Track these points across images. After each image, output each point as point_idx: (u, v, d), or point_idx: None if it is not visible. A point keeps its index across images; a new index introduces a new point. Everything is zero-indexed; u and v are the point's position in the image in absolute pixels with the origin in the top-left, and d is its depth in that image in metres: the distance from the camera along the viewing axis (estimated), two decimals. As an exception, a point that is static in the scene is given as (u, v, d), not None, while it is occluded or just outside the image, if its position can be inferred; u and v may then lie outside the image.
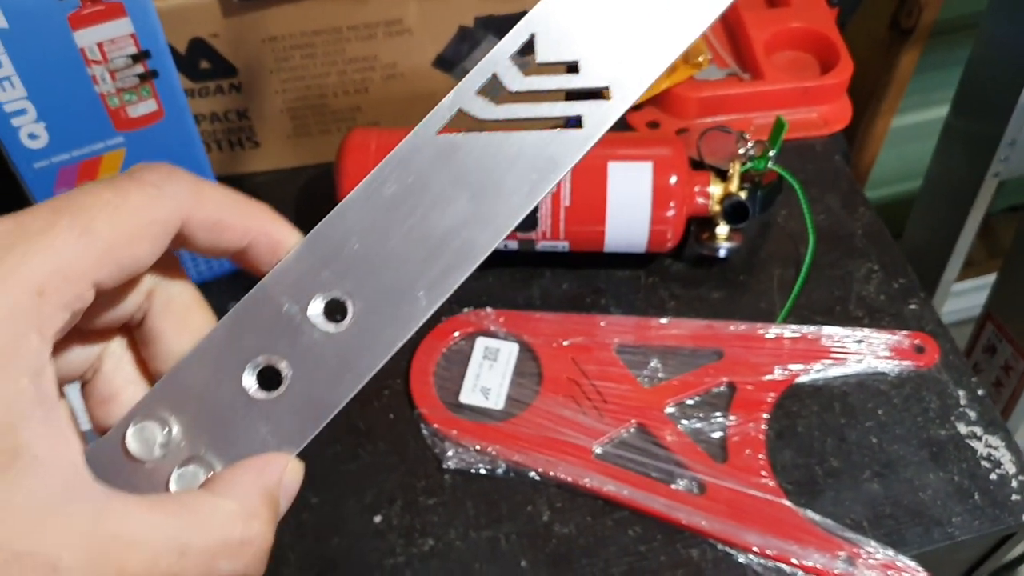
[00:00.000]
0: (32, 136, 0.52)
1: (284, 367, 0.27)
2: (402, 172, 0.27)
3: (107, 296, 0.27)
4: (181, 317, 0.28)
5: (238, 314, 0.27)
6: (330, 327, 0.27)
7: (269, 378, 0.27)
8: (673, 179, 0.64)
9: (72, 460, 0.24)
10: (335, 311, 0.27)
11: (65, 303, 0.24)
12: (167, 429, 0.27)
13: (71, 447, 0.24)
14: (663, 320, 0.66)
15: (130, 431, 0.27)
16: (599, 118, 0.27)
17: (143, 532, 0.24)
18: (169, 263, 0.28)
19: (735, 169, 0.65)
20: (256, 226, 0.28)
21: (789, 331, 0.65)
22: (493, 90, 0.27)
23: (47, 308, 0.24)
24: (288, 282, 0.27)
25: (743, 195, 0.65)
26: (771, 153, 0.66)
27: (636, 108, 0.76)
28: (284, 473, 0.28)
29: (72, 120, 0.53)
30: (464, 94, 0.28)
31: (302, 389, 0.27)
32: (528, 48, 0.27)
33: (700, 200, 0.65)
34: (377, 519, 0.58)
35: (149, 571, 0.24)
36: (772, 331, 0.65)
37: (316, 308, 0.27)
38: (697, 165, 0.67)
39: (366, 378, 0.27)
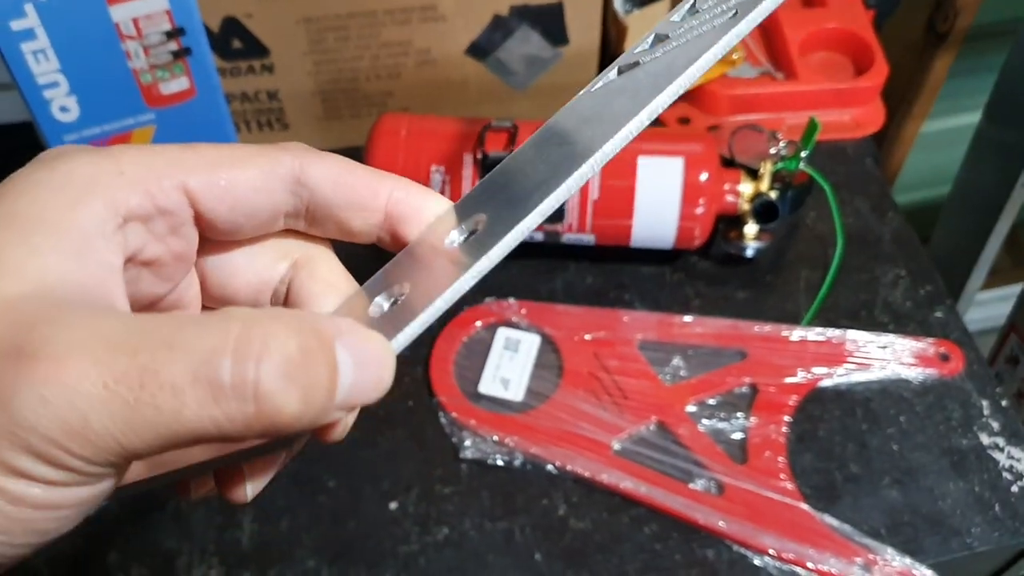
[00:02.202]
0: (64, 109, 0.52)
1: (407, 288, 0.26)
2: (557, 124, 0.28)
3: (247, 264, 0.28)
4: (327, 284, 0.28)
5: (387, 268, 0.27)
6: (456, 246, 0.27)
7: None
8: (704, 176, 0.63)
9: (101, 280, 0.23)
10: (469, 235, 0.27)
11: (147, 188, 0.25)
12: None
13: (110, 284, 0.24)
14: (687, 318, 0.65)
15: None
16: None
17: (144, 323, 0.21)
18: (312, 237, 0.29)
19: (766, 168, 0.65)
20: (389, 187, 0.27)
21: (814, 334, 0.64)
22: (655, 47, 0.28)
23: (125, 183, 0.24)
24: (438, 233, 0.27)
25: (773, 195, 0.64)
26: (803, 154, 0.65)
27: (668, 103, 0.75)
28: (360, 338, 0.23)
29: (104, 95, 0.53)
30: (626, 58, 0.28)
31: (412, 298, 0.26)
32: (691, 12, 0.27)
33: (730, 198, 0.65)
34: (393, 506, 0.58)
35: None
36: (797, 333, 0.64)
37: (454, 237, 0.27)
38: (728, 163, 0.66)
39: (474, 275, 0.26)
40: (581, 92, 0.29)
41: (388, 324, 0.25)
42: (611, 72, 0.29)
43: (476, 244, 0.26)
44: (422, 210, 0.28)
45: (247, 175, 0.26)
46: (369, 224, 0.28)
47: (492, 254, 0.26)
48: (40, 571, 0.55)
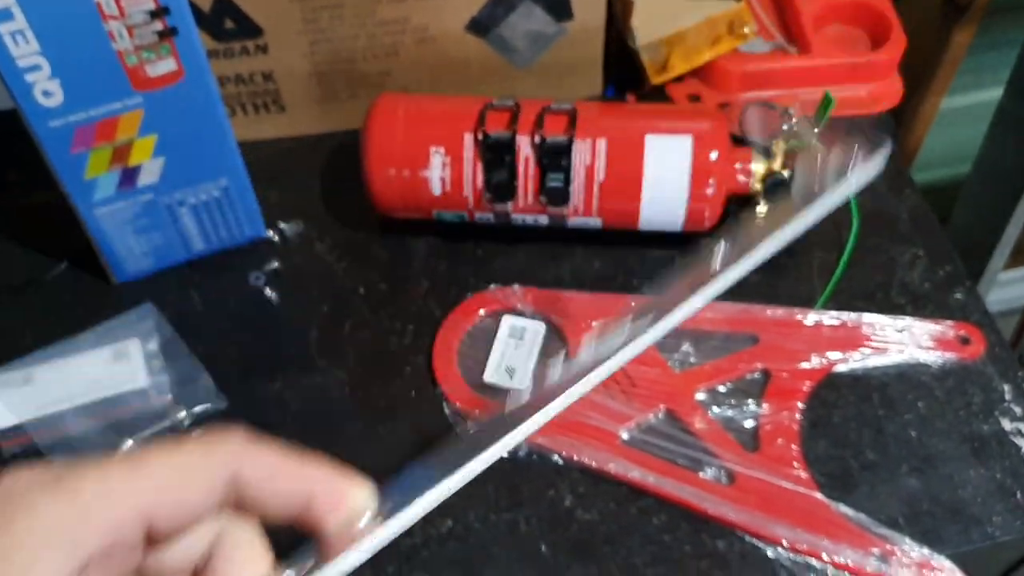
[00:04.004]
0: (47, 93, 0.51)
1: None
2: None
3: (169, 537, 0.29)
4: (243, 565, 0.29)
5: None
6: None
7: None
8: (713, 155, 0.61)
9: None
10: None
11: (108, 527, 0.26)
12: None
13: None
14: (697, 302, 0.63)
15: None
16: None
17: None
18: (236, 513, 0.30)
19: (779, 147, 0.63)
20: (314, 475, 0.29)
21: (828, 317, 0.62)
22: None
23: (89, 527, 0.26)
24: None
25: (786, 174, 0.62)
26: (817, 131, 0.63)
27: (678, 80, 0.73)
28: None
29: (88, 77, 0.51)
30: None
31: None
32: None
33: (741, 178, 0.63)
34: (395, 498, 0.57)
35: None
36: (810, 317, 0.62)
37: None
38: (739, 141, 0.64)
39: None
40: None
41: None
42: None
43: None
44: (342, 506, 0.29)
45: (196, 489, 0.28)
46: (289, 515, 0.29)
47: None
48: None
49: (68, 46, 0.49)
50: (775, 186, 0.62)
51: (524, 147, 0.61)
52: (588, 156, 0.61)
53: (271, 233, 0.68)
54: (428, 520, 0.55)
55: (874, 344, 0.62)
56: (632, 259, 0.66)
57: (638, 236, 0.65)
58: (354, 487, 0.29)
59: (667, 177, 0.61)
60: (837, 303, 0.64)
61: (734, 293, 0.63)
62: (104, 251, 0.62)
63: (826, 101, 0.63)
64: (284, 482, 0.29)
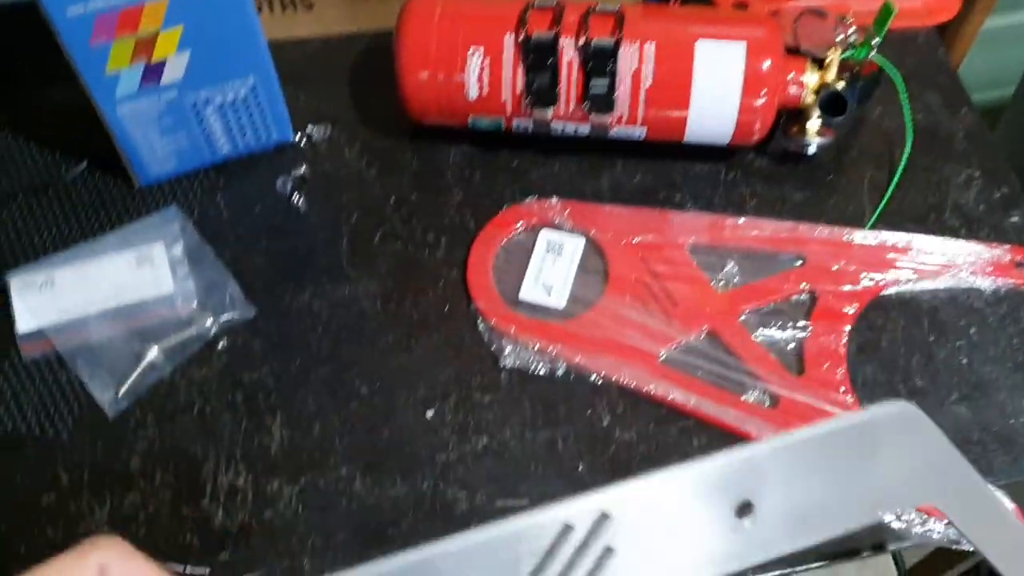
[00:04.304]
0: (66, -25, 0.47)
1: None
2: None
3: None
4: None
5: None
6: None
7: None
8: (767, 64, 0.58)
9: None
10: None
11: None
12: None
13: None
14: (741, 220, 0.61)
15: None
16: None
17: None
18: None
19: (835, 57, 0.59)
20: None
21: (878, 238, 0.60)
22: None
23: None
24: None
25: (840, 86, 0.59)
26: (874, 41, 0.60)
27: (726, -15, 0.69)
28: None
29: (111, -41, 0.48)
30: None
31: None
32: None
33: (793, 89, 0.60)
34: (429, 413, 0.55)
35: None
36: (859, 237, 0.60)
37: None
38: (790, 52, 0.61)
39: None
40: None
41: None
42: None
43: None
44: None
45: None
46: None
47: None
48: (59, 478, 0.53)
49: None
50: (829, 98, 0.59)
51: (568, 50, 0.58)
52: (635, 60, 0.58)
53: (299, 137, 0.65)
54: (463, 436, 0.54)
55: (925, 267, 0.59)
56: (675, 172, 0.64)
57: (680, 149, 0.63)
58: None
59: (718, 85, 0.58)
60: (887, 223, 0.61)
61: (780, 211, 0.62)
62: (127, 152, 0.59)
63: (886, 9, 0.60)
64: None
